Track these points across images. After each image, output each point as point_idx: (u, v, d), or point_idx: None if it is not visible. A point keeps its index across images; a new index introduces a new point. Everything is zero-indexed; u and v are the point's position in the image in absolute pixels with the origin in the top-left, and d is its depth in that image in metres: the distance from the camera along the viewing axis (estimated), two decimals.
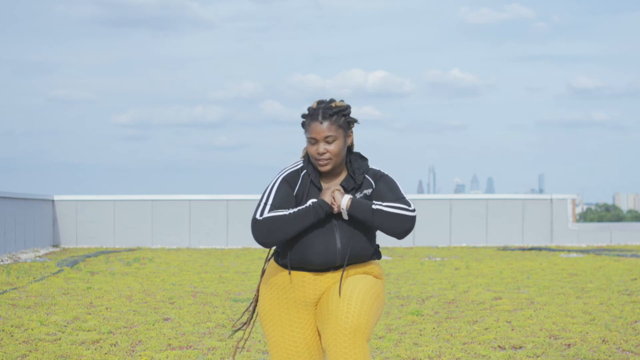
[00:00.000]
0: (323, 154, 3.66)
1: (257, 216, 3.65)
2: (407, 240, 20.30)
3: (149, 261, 14.84)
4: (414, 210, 3.69)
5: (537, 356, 6.10)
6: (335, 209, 3.66)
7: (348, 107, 3.73)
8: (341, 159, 3.71)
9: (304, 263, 3.70)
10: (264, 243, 3.65)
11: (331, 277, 3.75)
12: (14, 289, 9.93)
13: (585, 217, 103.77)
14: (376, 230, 3.77)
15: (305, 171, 3.74)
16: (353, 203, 3.63)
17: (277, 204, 3.66)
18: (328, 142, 3.66)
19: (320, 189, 3.72)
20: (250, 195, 20.52)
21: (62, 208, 20.12)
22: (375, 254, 3.82)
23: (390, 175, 3.80)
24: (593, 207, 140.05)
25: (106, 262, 14.58)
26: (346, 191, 3.71)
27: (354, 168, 3.75)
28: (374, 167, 3.81)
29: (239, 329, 4.13)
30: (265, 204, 3.68)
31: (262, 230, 3.62)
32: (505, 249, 18.70)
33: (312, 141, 3.68)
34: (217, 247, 19.98)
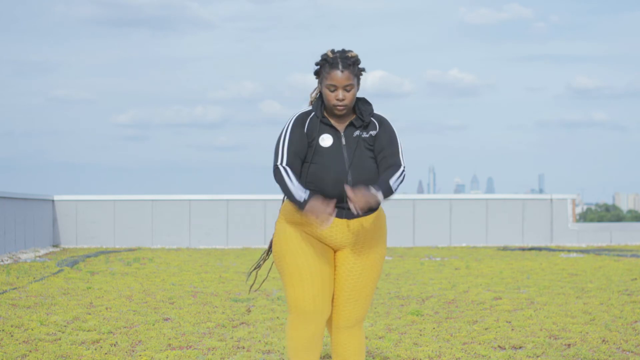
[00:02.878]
0: (342, 100, 3.99)
1: (277, 162, 4.05)
2: (407, 240, 20.30)
3: (149, 261, 14.83)
4: (405, 168, 4.11)
5: (537, 356, 6.09)
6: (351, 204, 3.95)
7: (359, 58, 4.08)
8: (353, 104, 4.07)
9: (318, 192, 4.00)
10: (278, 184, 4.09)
11: (344, 226, 4.04)
12: (14, 289, 9.92)
13: (585, 217, 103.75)
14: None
15: (313, 113, 4.07)
16: (380, 198, 3.96)
17: (293, 149, 4.03)
18: (347, 90, 4.00)
19: (330, 126, 4.06)
20: (251, 195, 20.51)
21: (62, 208, 20.11)
22: None
23: (391, 124, 4.16)
24: (593, 207, 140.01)
25: (106, 262, 14.57)
26: (355, 127, 4.06)
27: (361, 110, 4.10)
28: (378, 112, 4.16)
29: (256, 267, 4.49)
30: (283, 148, 4.05)
31: (275, 178, 4.04)
32: (505, 249, 18.69)
33: (332, 88, 4.01)
34: (217, 247, 19.98)
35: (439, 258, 15.72)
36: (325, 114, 4.08)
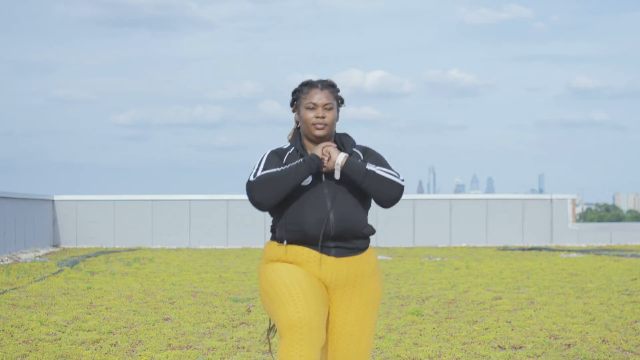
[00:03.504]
0: (322, 117, 3.79)
1: (250, 178, 3.74)
2: (407, 240, 20.30)
3: (149, 261, 14.84)
4: (403, 180, 3.78)
5: (537, 356, 6.10)
6: (327, 163, 3.73)
7: (338, 87, 3.90)
8: (333, 131, 3.85)
9: (300, 233, 3.74)
10: (260, 202, 3.70)
11: (335, 264, 3.76)
12: (14, 289, 9.93)
13: (585, 217, 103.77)
14: (366, 196, 3.81)
15: (293, 148, 3.86)
16: (348, 161, 3.72)
17: (269, 169, 3.75)
18: (326, 109, 3.81)
19: None
20: None
21: (62, 208, 20.12)
22: (368, 228, 3.85)
23: (378, 151, 3.91)
24: (593, 207, 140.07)
25: (106, 262, 14.58)
26: None
27: (342, 142, 3.87)
28: (361, 144, 3.94)
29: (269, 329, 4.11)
30: (257, 169, 3.76)
31: (256, 188, 3.70)
32: (505, 249, 18.70)
33: (311, 106, 3.80)
34: (217, 247, 19.99)
35: (439, 258, 15.72)
36: (304, 147, 3.83)
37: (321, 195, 3.75)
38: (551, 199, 20.88)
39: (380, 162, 3.82)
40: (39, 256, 16.02)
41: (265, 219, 20.09)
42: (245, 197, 18.52)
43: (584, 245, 19.95)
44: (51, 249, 18.45)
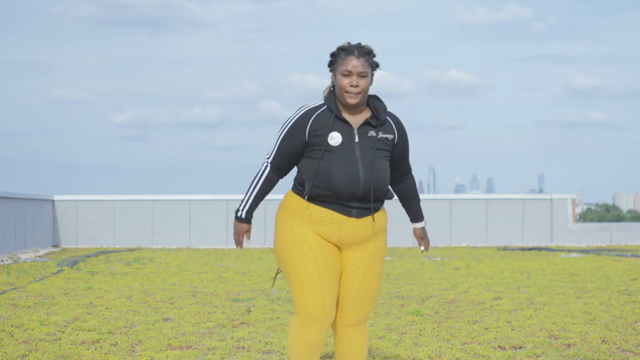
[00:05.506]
0: (356, 86, 3.93)
1: (267, 157, 4.10)
2: (407, 240, 20.29)
3: (149, 261, 14.83)
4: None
5: (537, 356, 6.09)
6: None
7: (374, 51, 4.04)
8: (366, 96, 4.01)
9: (329, 191, 3.95)
10: None
11: (355, 224, 4.03)
12: (14, 289, 9.92)
13: (585, 217, 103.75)
14: (390, 163, 4.14)
15: (325, 107, 4.01)
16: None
17: (285, 146, 4.01)
18: (361, 77, 3.95)
19: (345, 122, 3.99)
20: None
21: (62, 208, 20.11)
22: (389, 192, 4.17)
23: (404, 126, 4.18)
24: (593, 207, 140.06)
25: (106, 262, 14.57)
26: (371, 126, 4.01)
27: (375, 106, 4.05)
28: (390, 111, 4.15)
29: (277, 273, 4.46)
30: (277, 144, 4.06)
31: (258, 172, 4.14)
32: (505, 249, 18.69)
33: (346, 73, 3.94)
34: (217, 247, 19.98)
35: (439, 258, 15.72)
36: (338, 108, 3.99)
37: (352, 157, 3.94)
38: (551, 199, 20.87)
39: (407, 149, 4.19)
40: (39, 256, 16.01)
41: (265, 219, 20.10)
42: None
43: (584, 245, 19.94)
44: (51, 249, 18.45)
